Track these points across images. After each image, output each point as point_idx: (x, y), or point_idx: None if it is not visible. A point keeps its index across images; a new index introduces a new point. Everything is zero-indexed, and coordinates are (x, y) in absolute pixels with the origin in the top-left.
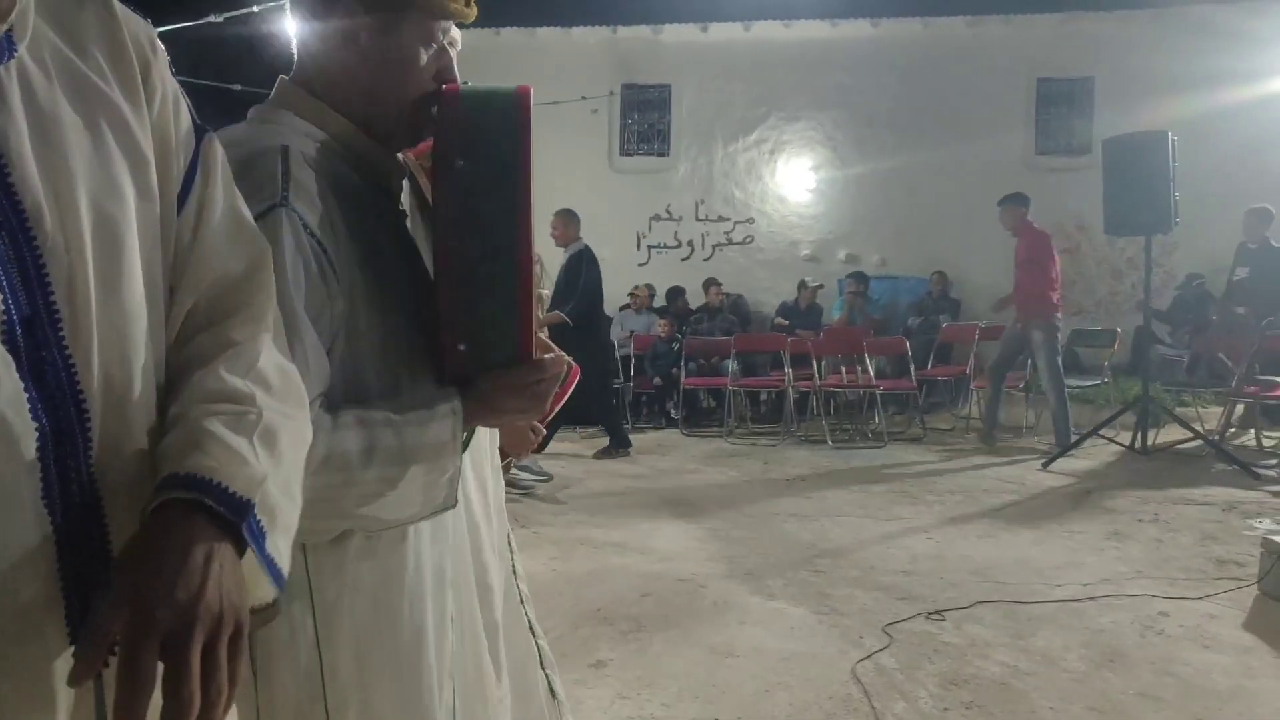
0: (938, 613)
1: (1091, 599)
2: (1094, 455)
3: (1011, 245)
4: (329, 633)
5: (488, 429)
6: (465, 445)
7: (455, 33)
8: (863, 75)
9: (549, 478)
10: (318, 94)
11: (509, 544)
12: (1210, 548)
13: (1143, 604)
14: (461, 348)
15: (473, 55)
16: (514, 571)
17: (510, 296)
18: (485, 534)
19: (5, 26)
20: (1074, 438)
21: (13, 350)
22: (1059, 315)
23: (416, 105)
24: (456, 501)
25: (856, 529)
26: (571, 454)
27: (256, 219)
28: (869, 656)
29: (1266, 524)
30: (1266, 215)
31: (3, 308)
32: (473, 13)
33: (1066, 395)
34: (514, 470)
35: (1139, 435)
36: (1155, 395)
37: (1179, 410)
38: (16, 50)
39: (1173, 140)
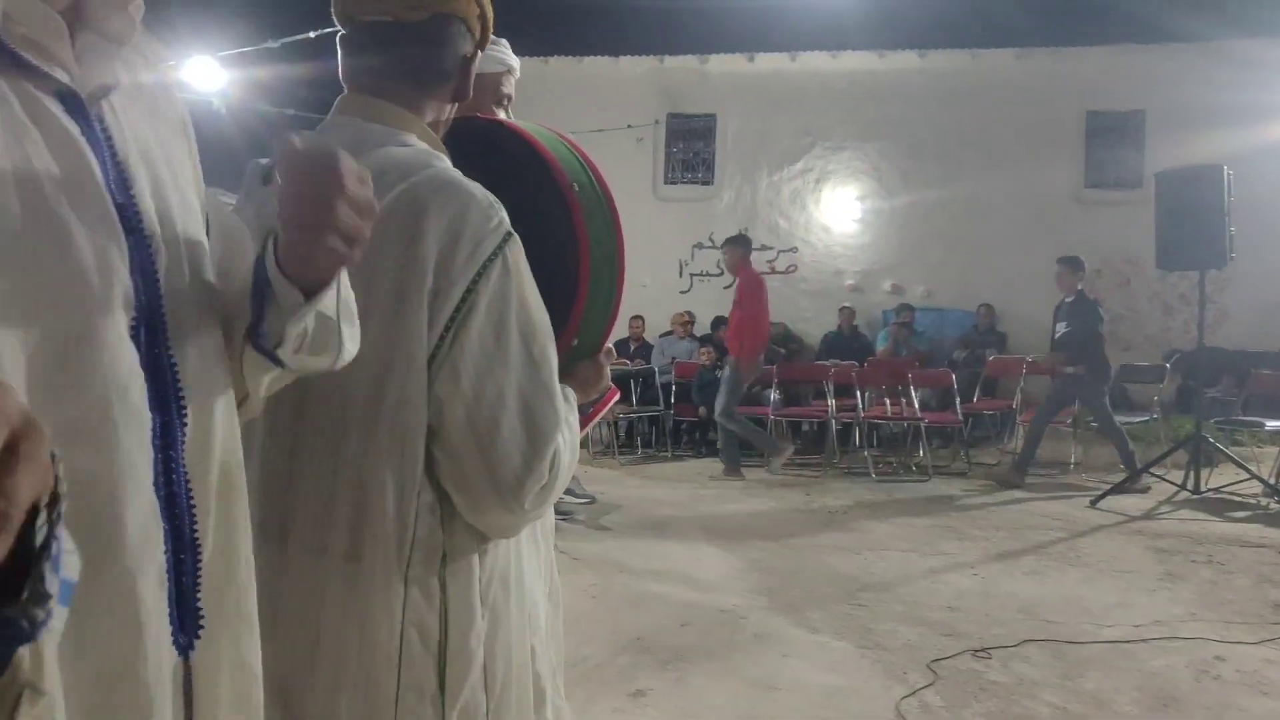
0: (984, 650)
1: (1143, 640)
2: (1145, 494)
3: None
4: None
5: None
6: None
7: (514, 61)
8: (910, 106)
9: (592, 500)
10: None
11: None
12: (1268, 591)
13: (1197, 647)
14: (575, 342)
15: (522, 84)
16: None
17: (612, 288)
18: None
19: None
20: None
21: (136, 344)
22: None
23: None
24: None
25: (900, 563)
26: (612, 479)
27: (497, 248)
28: (914, 693)
29: None
30: (1077, 264)
31: (134, 303)
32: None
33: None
34: None
35: (1191, 474)
36: (1208, 433)
37: (1233, 449)
38: (122, 81)
39: (1228, 174)
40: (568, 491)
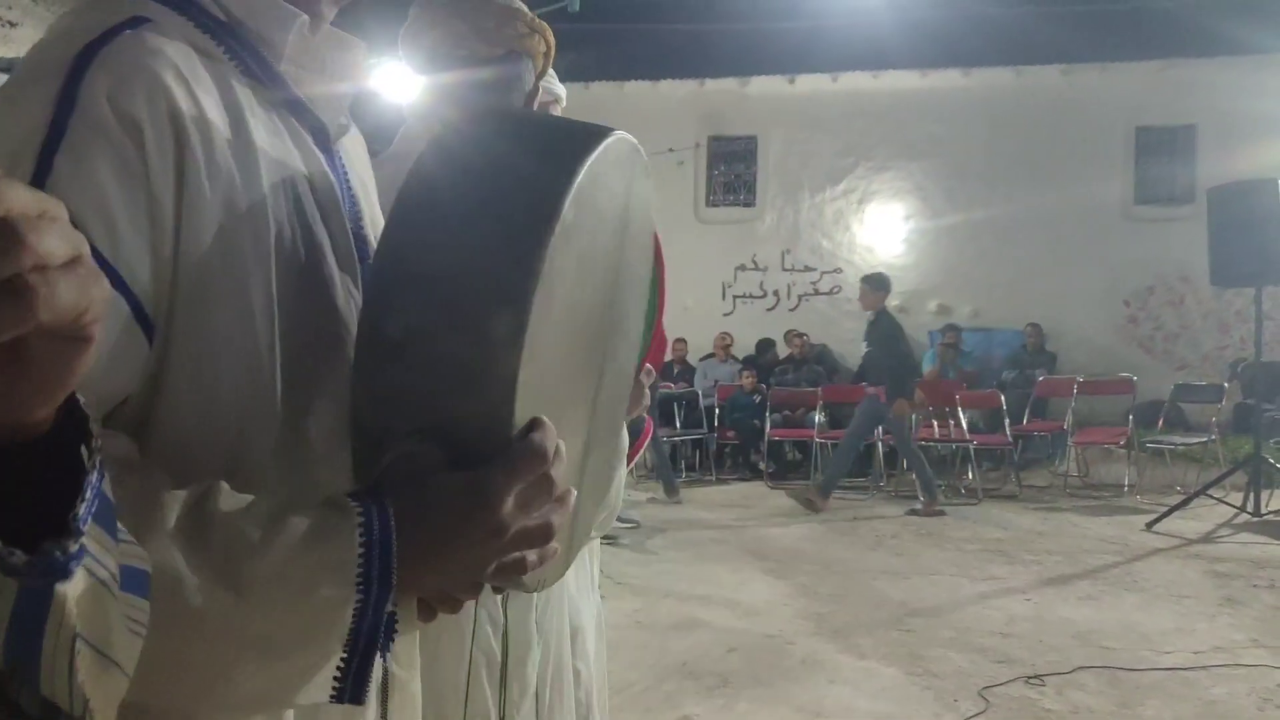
0: (1037, 677)
1: (1204, 668)
2: (1202, 516)
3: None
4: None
5: None
6: None
7: (560, 90)
8: (954, 125)
9: (636, 525)
10: None
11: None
12: None
13: (1261, 675)
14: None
15: (566, 110)
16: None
17: (652, 315)
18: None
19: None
20: (1180, 497)
21: None
22: None
23: None
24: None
25: (950, 588)
26: (659, 502)
27: None
28: None
29: None
30: (877, 283)
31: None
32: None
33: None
34: None
35: (1251, 496)
36: (1268, 454)
37: None
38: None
39: None
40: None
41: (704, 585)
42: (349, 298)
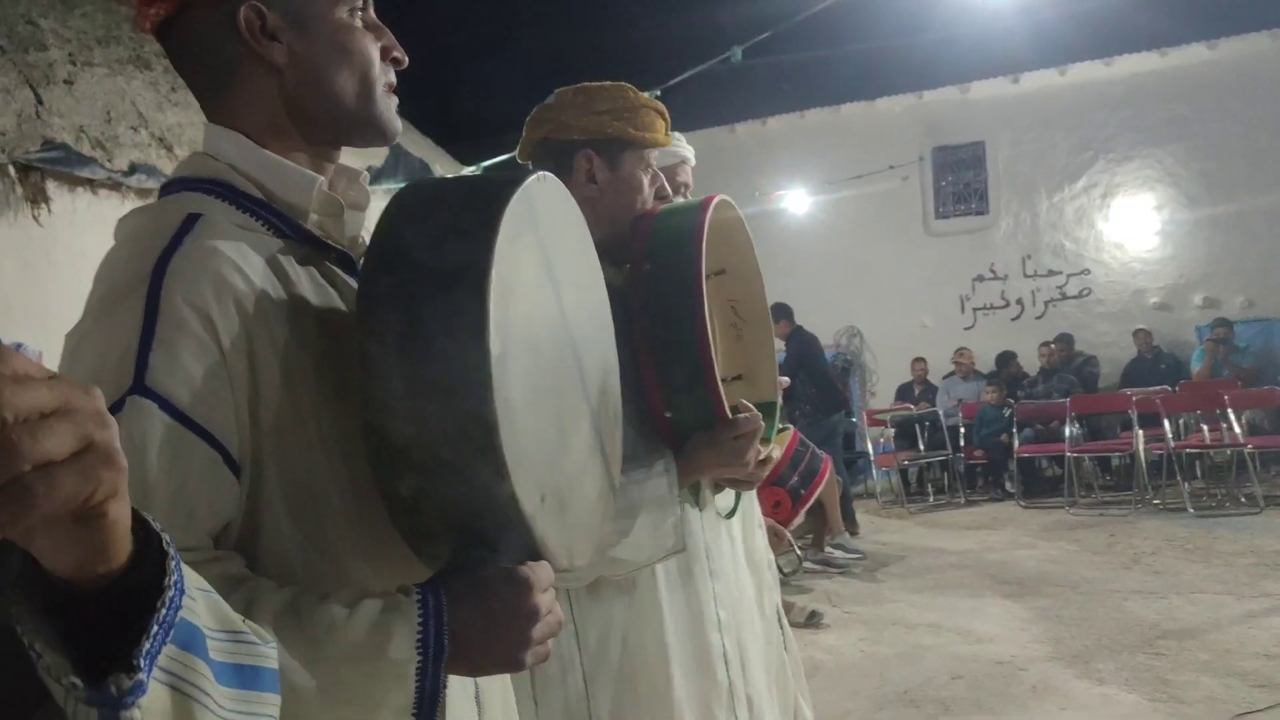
0: None
1: None
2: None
3: None
4: (593, 669)
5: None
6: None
7: (687, 150)
8: (1203, 104)
9: (863, 556)
10: None
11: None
12: None
13: None
14: (668, 415)
15: (774, 141)
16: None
17: (694, 364)
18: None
19: None
20: None
21: None
22: None
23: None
24: (684, 547)
25: (1213, 607)
26: (899, 529)
27: None
28: None
29: None
30: (781, 311)
31: None
32: (669, 140)
33: None
34: (827, 549)
35: None
36: None
37: None
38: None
39: None
40: (838, 546)
41: (936, 612)
42: None
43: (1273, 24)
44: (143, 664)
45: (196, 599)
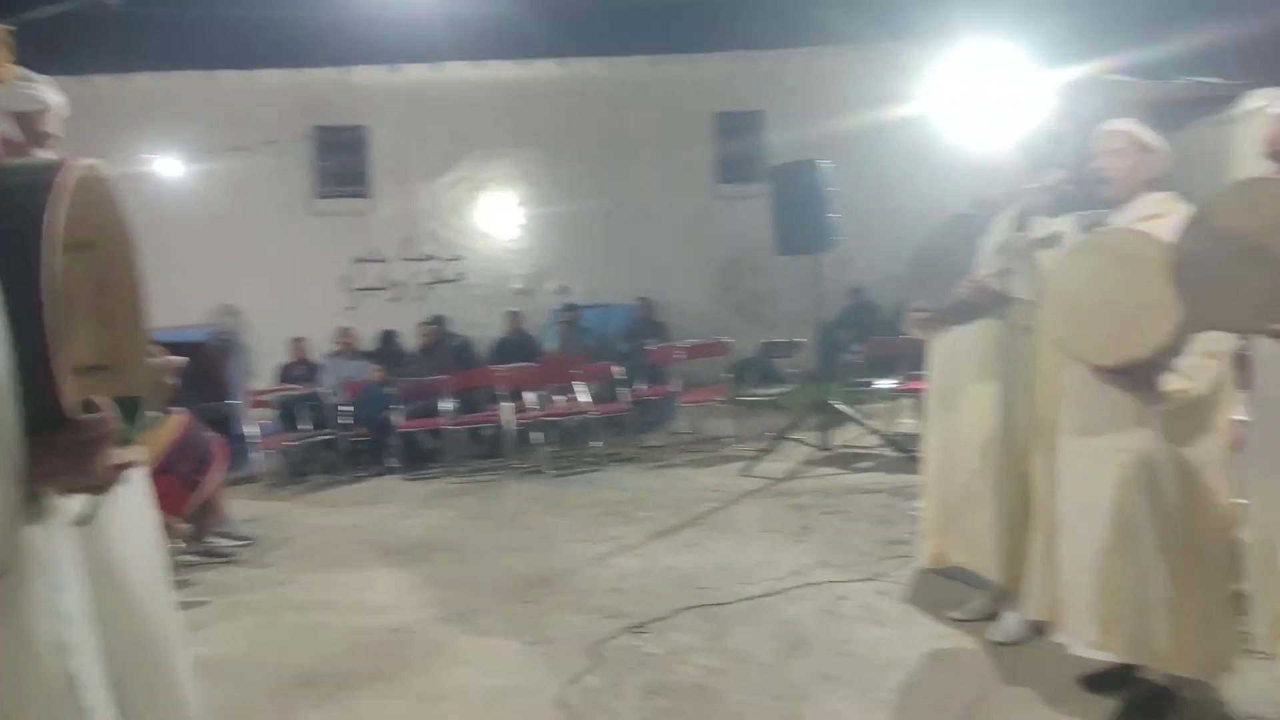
0: (641, 625)
1: (781, 592)
2: (788, 457)
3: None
4: None
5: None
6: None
7: (50, 95)
8: (554, 113)
9: (251, 541)
10: None
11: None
12: (881, 531)
13: (824, 591)
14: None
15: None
16: None
17: (34, 354)
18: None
19: None
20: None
21: None
22: None
23: None
24: (7, 568)
25: (571, 554)
26: (284, 511)
27: None
28: (575, 680)
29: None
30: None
31: None
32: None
33: None
34: (209, 539)
35: (823, 435)
36: (836, 397)
37: (858, 408)
38: None
39: (823, 166)
40: (222, 535)
41: (330, 590)
42: None
43: (611, 52)
44: None
45: None
